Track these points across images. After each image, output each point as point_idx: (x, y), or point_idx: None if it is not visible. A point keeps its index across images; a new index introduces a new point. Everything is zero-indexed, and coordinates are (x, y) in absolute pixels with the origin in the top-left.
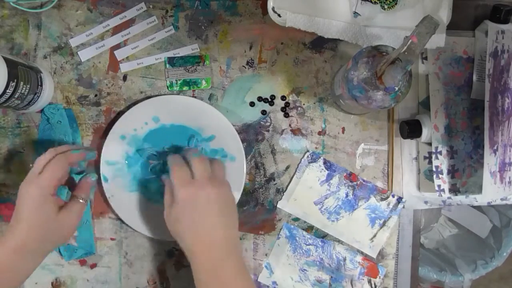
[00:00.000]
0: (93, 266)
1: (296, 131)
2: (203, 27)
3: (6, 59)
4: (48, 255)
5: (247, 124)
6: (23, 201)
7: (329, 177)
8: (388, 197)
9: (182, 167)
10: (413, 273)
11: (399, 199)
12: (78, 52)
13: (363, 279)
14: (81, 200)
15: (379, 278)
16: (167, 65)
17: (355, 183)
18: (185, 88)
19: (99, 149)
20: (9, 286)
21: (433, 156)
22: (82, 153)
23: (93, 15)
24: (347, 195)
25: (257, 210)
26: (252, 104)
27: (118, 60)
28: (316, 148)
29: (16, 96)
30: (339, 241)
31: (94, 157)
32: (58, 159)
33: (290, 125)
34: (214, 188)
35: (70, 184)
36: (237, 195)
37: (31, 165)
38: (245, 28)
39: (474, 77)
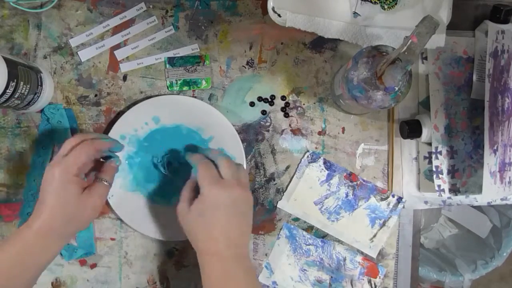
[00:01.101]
0: (93, 266)
1: (296, 131)
2: (203, 27)
3: (6, 59)
4: (71, 238)
5: (247, 124)
6: (47, 183)
7: (329, 177)
8: (388, 197)
9: (210, 165)
10: (413, 273)
11: (399, 199)
12: (78, 52)
13: (363, 279)
14: (105, 182)
15: (379, 278)
16: (167, 65)
17: (355, 183)
18: (185, 88)
19: None
20: (34, 269)
21: (433, 156)
22: (109, 143)
23: (93, 15)
24: (347, 195)
25: (257, 210)
26: (252, 104)
27: (118, 60)
28: (316, 148)
29: (16, 96)
30: (339, 241)
31: (121, 149)
32: (85, 144)
33: (290, 125)
34: (241, 191)
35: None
36: None
37: (56, 148)
38: (245, 28)
39: (474, 77)
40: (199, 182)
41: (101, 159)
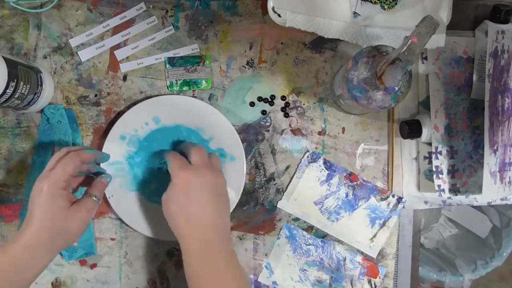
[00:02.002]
0: (93, 266)
1: (296, 131)
2: (203, 27)
3: (6, 59)
4: (58, 251)
5: (247, 124)
6: (35, 197)
7: (329, 177)
8: (388, 197)
9: (177, 155)
10: (413, 273)
11: (399, 199)
12: (78, 52)
13: (363, 279)
14: (93, 198)
15: (379, 278)
16: (167, 65)
17: (355, 183)
18: (185, 88)
19: (99, 149)
20: (22, 283)
21: (433, 156)
22: (94, 153)
23: (93, 15)
24: (347, 195)
25: (257, 210)
26: (252, 104)
27: (118, 60)
28: (316, 148)
29: (16, 96)
30: (339, 241)
31: (107, 159)
32: (70, 155)
33: (290, 125)
34: (209, 175)
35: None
36: (237, 195)
37: (56, 148)
38: (245, 28)
39: (474, 77)
40: (170, 171)
41: (92, 175)
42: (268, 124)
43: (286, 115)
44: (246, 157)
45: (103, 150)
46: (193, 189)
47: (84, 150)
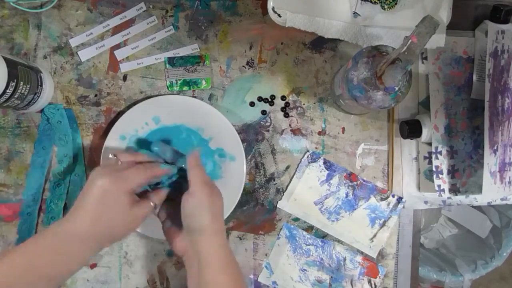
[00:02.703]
0: (93, 266)
1: (296, 131)
2: (203, 27)
3: (6, 59)
4: (103, 248)
5: (247, 124)
6: (92, 190)
7: (329, 177)
8: (388, 197)
9: (202, 168)
10: (413, 273)
11: (399, 199)
12: (78, 52)
13: (363, 279)
14: (152, 204)
15: (379, 278)
16: (167, 65)
17: (355, 183)
18: (185, 88)
19: (99, 149)
20: (62, 271)
21: (433, 156)
22: (165, 170)
23: (93, 15)
24: (347, 195)
25: (257, 210)
26: (252, 104)
27: (118, 60)
28: (316, 148)
29: (16, 96)
30: (339, 241)
31: (173, 176)
32: (147, 168)
33: (290, 125)
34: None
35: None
36: (237, 195)
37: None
38: (245, 28)
39: (474, 77)
40: (193, 180)
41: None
42: (268, 124)
43: (286, 115)
44: (246, 157)
45: (103, 150)
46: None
47: (159, 165)
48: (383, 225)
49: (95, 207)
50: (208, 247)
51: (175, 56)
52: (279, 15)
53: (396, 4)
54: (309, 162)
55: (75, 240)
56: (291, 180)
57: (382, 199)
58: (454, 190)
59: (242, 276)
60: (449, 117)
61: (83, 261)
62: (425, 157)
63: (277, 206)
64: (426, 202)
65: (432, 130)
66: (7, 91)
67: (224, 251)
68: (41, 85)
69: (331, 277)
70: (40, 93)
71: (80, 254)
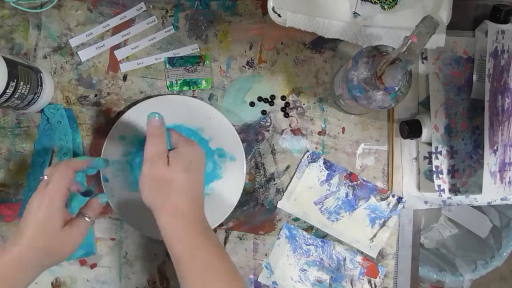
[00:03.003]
0: (93, 266)
1: (296, 131)
2: (203, 27)
3: (6, 59)
4: (43, 271)
5: (247, 124)
6: (31, 214)
7: (329, 177)
8: (388, 197)
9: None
10: (413, 273)
11: (399, 199)
12: (78, 52)
13: (363, 279)
14: (87, 219)
15: (379, 278)
16: (167, 65)
17: (355, 183)
18: (185, 88)
19: (99, 149)
20: None
21: (433, 156)
22: (85, 160)
23: (93, 15)
24: (347, 195)
25: (257, 210)
26: (252, 104)
27: (118, 60)
28: (316, 148)
29: (16, 96)
30: (339, 241)
31: (104, 165)
32: (62, 167)
33: (290, 125)
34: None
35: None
36: (237, 195)
37: (56, 148)
38: (245, 28)
39: (474, 77)
40: (173, 141)
41: (82, 195)
42: (268, 124)
43: (286, 115)
44: (246, 157)
45: (103, 150)
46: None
47: (75, 159)
48: (383, 225)
49: (31, 231)
50: (169, 230)
51: (175, 56)
52: (279, 15)
53: (396, 4)
54: (309, 162)
55: (15, 266)
56: (291, 180)
57: (382, 199)
58: (454, 190)
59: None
60: (449, 117)
61: (25, 285)
62: (425, 157)
63: (277, 206)
64: (426, 202)
65: (432, 130)
66: (7, 91)
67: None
68: (41, 85)
69: (331, 277)
70: (40, 93)
71: (21, 278)
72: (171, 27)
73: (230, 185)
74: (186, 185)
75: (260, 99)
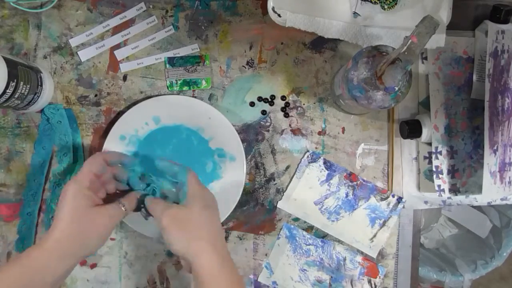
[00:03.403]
0: (93, 266)
1: (296, 131)
2: (203, 27)
3: (6, 59)
4: (80, 259)
5: (247, 124)
6: (62, 199)
7: (329, 177)
8: (388, 197)
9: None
10: (413, 273)
11: (399, 199)
12: (78, 52)
13: (363, 279)
14: (122, 207)
15: (379, 278)
16: (167, 65)
17: (355, 183)
18: (185, 88)
19: (99, 149)
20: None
21: (433, 156)
22: (119, 154)
23: (93, 15)
24: (347, 195)
25: (257, 210)
26: (252, 104)
27: (118, 60)
28: (316, 148)
29: (16, 96)
30: (339, 241)
31: (133, 164)
32: (95, 155)
33: (290, 125)
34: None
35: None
36: (237, 195)
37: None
38: (245, 28)
39: (474, 77)
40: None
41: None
42: (268, 124)
43: (286, 115)
44: (246, 157)
45: (103, 151)
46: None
47: (112, 152)
48: (383, 225)
49: (63, 214)
50: (208, 269)
51: (175, 56)
52: (279, 15)
53: (396, 4)
54: (309, 162)
55: (52, 256)
56: (291, 180)
57: (382, 199)
58: (454, 190)
59: None
60: (449, 117)
61: (59, 275)
62: (425, 157)
63: (277, 206)
64: (426, 202)
65: (432, 130)
66: (7, 91)
67: (227, 272)
68: (41, 85)
69: (331, 277)
70: (40, 93)
71: (58, 268)
72: (171, 27)
73: (230, 185)
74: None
75: (260, 99)
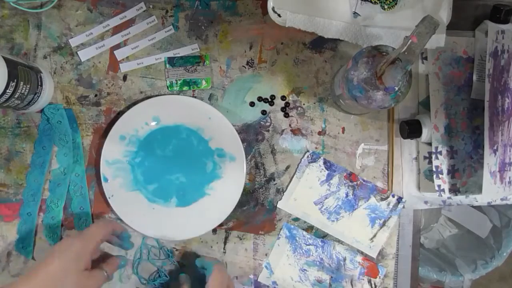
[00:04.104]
0: None
1: (296, 131)
2: (203, 27)
3: (6, 59)
4: None
5: (247, 124)
6: (61, 248)
7: (329, 177)
8: (388, 197)
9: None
10: (413, 273)
11: (399, 199)
12: (78, 52)
13: (363, 279)
14: (105, 273)
15: (379, 278)
16: (167, 65)
17: (355, 183)
18: (185, 88)
19: (99, 149)
20: None
21: (433, 156)
22: (123, 226)
23: (93, 15)
24: (347, 195)
25: (257, 210)
26: (252, 104)
27: (118, 60)
28: (316, 148)
29: (16, 96)
30: (339, 241)
31: (130, 247)
32: (105, 220)
33: (290, 125)
34: None
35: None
36: (237, 195)
37: (56, 148)
38: (245, 28)
39: (474, 77)
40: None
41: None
42: (268, 124)
43: (286, 115)
44: (246, 157)
45: (103, 150)
46: None
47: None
48: (383, 225)
49: (55, 264)
50: None
51: (175, 56)
52: (279, 15)
53: (396, 4)
54: (309, 162)
55: None
56: (291, 180)
57: (382, 199)
58: (454, 190)
59: None
60: (449, 117)
61: None
62: (425, 157)
63: (277, 206)
64: (426, 202)
65: (432, 130)
66: (7, 91)
67: None
68: (41, 85)
69: (331, 277)
70: (40, 93)
71: None
72: (171, 27)
73: (230, 185)
74: None
75: (260, 99)
